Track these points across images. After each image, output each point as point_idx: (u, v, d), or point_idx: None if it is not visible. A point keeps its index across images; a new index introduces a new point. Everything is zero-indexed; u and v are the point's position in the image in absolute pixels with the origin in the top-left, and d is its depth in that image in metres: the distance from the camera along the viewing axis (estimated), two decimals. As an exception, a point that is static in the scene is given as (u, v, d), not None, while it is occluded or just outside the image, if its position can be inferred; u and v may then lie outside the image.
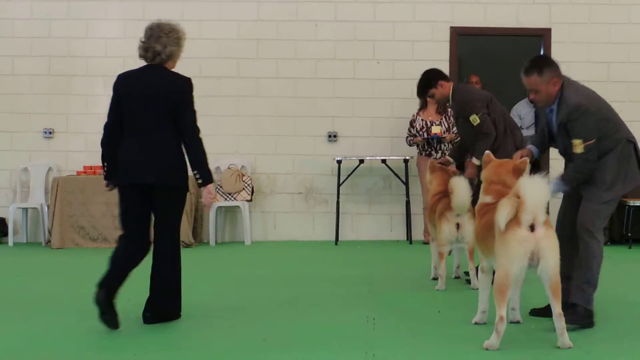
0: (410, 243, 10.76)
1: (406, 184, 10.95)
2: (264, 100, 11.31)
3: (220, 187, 11.00)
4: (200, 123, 11.00)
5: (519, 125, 11.55)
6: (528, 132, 11.45)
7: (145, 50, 5.87)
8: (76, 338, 5.56)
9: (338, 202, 10.97)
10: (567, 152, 5.94)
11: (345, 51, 11.31)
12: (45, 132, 11.34)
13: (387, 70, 11.32)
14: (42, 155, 11.35)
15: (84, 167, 11.07)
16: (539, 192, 4.85)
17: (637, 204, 10.20)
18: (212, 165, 10.87)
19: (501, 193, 5.32)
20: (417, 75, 10.60)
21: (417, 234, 10.87)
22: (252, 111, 11.32)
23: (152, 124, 5.73)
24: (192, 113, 5.84)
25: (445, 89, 7.97)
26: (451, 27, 11.39)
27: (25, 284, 7.99)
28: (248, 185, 11.01)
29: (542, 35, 11.45)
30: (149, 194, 5.74)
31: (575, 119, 5.75)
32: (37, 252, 10.46)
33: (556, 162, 9.16)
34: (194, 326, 5.79)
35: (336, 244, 10.81)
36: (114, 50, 11.12)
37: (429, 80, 8.02)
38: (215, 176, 10.96)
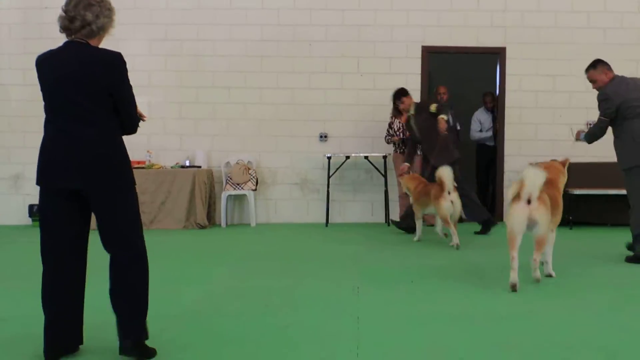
0: (388, 225, 10.71)
1: (385, 176, 10.92)
2: (266, 106, 11.27)
3: (230, 178, 10.95)
4: (214, 126, 11.22)
5: (480, 129, 11.61)
6: (487, 134, 11.43)
7: (71, 20, 3.91)
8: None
9: (328, 191, 10.93)
10: None
11: (334, 66, 11.25)
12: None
13: (369, 82, 11.26)
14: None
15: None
16: (534, 179, 5.66)
17: (577, 193, 10.17)
18: (223, 161, 11.05)
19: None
20: (394, 86, 10.78)
21: (394, 216, 10.81)
22: (256, 115, 11.27)
23: (75, 113, 3.80)
24: (130, 93, 3.95)
25: (406, 103, 9.77)
26: (422, 46, 11.32)
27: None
28: (253, 177, 10.96)
29: (499, 53, 11.39)
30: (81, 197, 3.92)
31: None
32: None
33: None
34: (212, 293, 5.71)
35: (326, 225, 10.77)
36: (140, 65, 11.04)
37: (395, 96, 9.97)
38: (225, 169, 11.03)
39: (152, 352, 3.95)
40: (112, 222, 3.84)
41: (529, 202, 5.67)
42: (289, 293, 5.75)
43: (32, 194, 11.15)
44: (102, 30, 3.97)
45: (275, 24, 11.28)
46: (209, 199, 10.86)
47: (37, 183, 3.86)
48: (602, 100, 7.22)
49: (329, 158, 10.86)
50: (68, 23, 3.90)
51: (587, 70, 7.37)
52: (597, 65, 7.33)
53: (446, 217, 8.30)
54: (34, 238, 8.70)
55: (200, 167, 10.96)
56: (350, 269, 6.97)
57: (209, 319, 4.86)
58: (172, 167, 10.95)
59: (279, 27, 11.29)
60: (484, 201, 11.80)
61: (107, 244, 3.86)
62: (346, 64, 11.28)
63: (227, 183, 11.00)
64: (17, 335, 4.48)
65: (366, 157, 10.93)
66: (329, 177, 10.89)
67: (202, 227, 10.46)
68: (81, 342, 4.03)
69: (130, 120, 3.96)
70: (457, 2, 11.29)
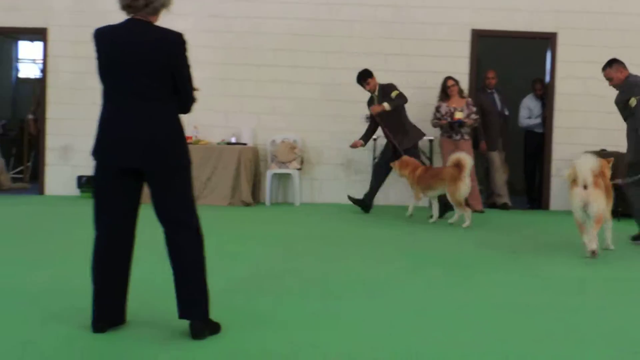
0: (431, 208, 10.51)
1: (430, 159, 10.72)
2: (313, 86, 11.13)
3: (276, 156, 10.85)
4: (260, 104, 11.10)
5: (528, 115, 11.31)
6: (536, 121, 11.14)
7: None
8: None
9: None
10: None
11: (380, 47, 11.04)
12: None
13: (417, 64, 11.05)
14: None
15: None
16: (585, 166, 6.41)
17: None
18: (268, 139, 10.94)
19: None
20: (443, 69, 10.57)
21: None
22: (303, 95, 11.15)
23: (143, 94, 3.79)
24: (189, 73, 3.93)
25: (371, 85, 9.79)
26: (472, 29, 11.06)
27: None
28: (298, 156, 10.85)
29: (550, 39, 11.09)
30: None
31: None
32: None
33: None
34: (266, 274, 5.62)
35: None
36: (199, 40, 10.91)
37: (360, 77, 9.85)
38: (271, 148, 10.92)
39: (218, 327, 3.94)
40: (168, 201, 3.82)
41: (585, 187, 6.44)
42: (332, 275, 5.69)
43: (81, 165, 11.16)
44: (163, 7, 3.94)
45: (323, 3, 11.11)
46: (254, 177, 10.79)
47: (94, 157, 3.82)
48: (635, 85, 7.56)
49: (375, 140, 10.67)
50: (131, 1, 3.85)
51: (604, 68, 7.82)
52: (612, 64, 7.80)
53: (461, 201, 8.60)
54: (82, 209, 8.79)
55: (246, 144, 10.87)
56: (392, 251, 6.87)
57: (250, 298, 4.82)
58: (218, 144, 10.88)
59: (327, 5, 11.12)
60: (531, 189, 11.53)
61: (162, 220, 3.85)
62: (393, 45, 11.06)
63: (272, 161, 10.90)
64: (66, 307, 4.47)
65: (411, 140, 10.72)
66: (374, 158, 10.71)
67: (247, 204, 10.38)
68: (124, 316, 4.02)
69: (188, 99, 3.94)
70: (509, -15, 11.01)
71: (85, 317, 4.01)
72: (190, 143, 10.58)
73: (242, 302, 4.66)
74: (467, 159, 8.62)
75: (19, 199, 10.96)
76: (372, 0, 11.08)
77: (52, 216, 9.25)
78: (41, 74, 11.66)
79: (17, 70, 15.33)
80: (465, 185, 8.57)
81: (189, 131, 10.84)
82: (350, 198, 10.02)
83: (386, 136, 9.82)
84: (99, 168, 3.87)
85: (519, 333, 4.14)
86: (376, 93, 9.77)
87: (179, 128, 3.87)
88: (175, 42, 3.84)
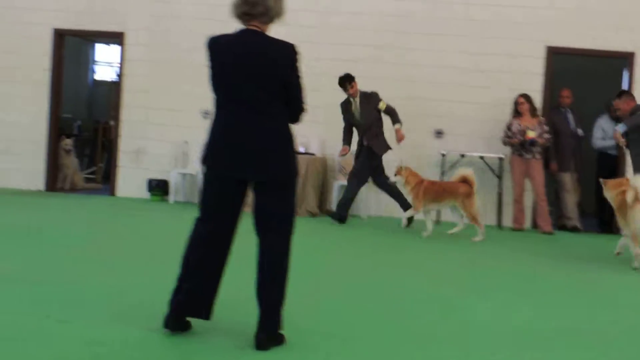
0: (500, 228, 10.35)
1: (499, 177, 10.52)
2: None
3: (344, 168, 10.78)
4: (328, 114, 11.01)
5: (602, 137, 10.98)
6: (610, 143, 10.82)
7: (253, 5, 3.83)
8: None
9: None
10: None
11: (452, 61, 10.88)
12: (204, 113, 11.30)
13: (490, 79, 10.85)
14: (200, 132, 11.28)
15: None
16: None
17: None
18: (337, 150, 10.86)
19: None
20: (516, 86, 10.36)
21: (506, 220, 10.45)
22: (373, 107, 11.03)
23: (255, 103, 3.81)
24: (301, 83, 3.96)
25: (355, 89, 9.77)
26: (547, 46, 10.82)
27: (179, 236, 7.92)
28: (366, 168, 10.73)
29: (627, 58, 10.77)
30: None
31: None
32: (191, 210, 10.40)
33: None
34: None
35: (438, 223, 10.45)
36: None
37: (343, 80, 9.77)
38: (339, 159, 10.85)
39: (283, 338, 3.92)
40: (271, 211, 3.86)
41: None
42: (398, 291, 5.62)
43: (152, 168, 11.32)
44: (277, 17, 3.94)
45: (395, 15, 11.00)
46: (322, 188, 10.73)
47: (205, 164, 3.92)
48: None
49: (444, 155, 10.52)
50: (249, 8, 3.84)
51: (614, 99, 8.99)
52: (622, 95, 8.96)
53: (477, 215, 8.90)
54: (152, 212, 8.83)
55: (314, 154, 10.82)
56: (460, 270, 6.74)
57: (325, 311, 4.76)
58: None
59: (399, 18, 11.01)
60: (603, 211, 11.20)
61: (260, 229, 3.88)
62: (466, 60, 10.89)
63: (340, 173, 10.83)
64: (135, 304, 4.61)
65: (481, 157, 10.55)
66: (442, 174, 10.56)
67: (313, 215, 10.33)
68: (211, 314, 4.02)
69: (299, 110, 3.98)
70: (586, 2, 10.72)
71: (150, 314, 4.07)
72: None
73: (307, 315, 4.60)
74: (473, 175, 8.99)
75: (91, 199, 11.15)
76: (444, 13, 10.93)
77: (125, 217, 9.37)
78: (117, 78, 11.82)
79: (93, 72, 15.63)
80: (474, 201, 8.91)
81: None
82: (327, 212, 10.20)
83: (360, 139, 9.88)
84: (208, 174, 3.93)
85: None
86: (357, 98, 9.81)
87: (289, 140, 3.91)
88: (289, 54, 3.86)
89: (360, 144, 9.88)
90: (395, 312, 4.98)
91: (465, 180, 8.98)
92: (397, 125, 9.70)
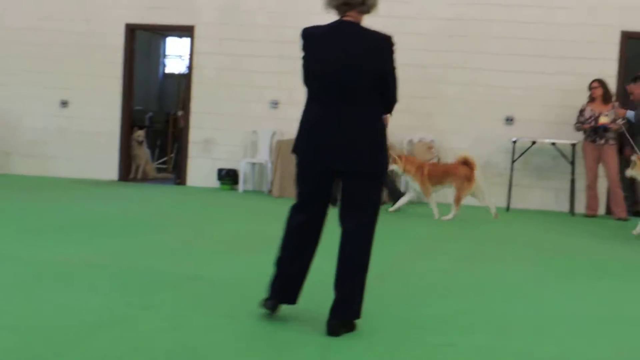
0: (572, 215, 10.12)
1: (572, 164, 10.28)
2: (452, 86, 10.87)
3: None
4: (398, 102, 10.94)
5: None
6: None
7: None
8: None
9: (511, 176, 10.43)
10: None
11: (526, 49, 10.67)
12: (272, 103, 11.36)
13: (560, 66, 10.60)
14: (269, 122, 11.37)
15: (302, 133, 11.03)
16: None
17: None
18: (405, 138, 10.80)
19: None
20: (589, 72, 10.10)
21: (579, 207, 10.21)
22: (441, 94, 10.92)
23: (349, 96, 3.76)
24: (395, 75, 3.90)
25: None
26: (622, 31, 10.51)
27: (251, 224, 8.01)
28: (435, 156, 10.64)
29: None
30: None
31: None
32: (260, 199, 10.53)
33: None
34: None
35: (507, 210, 10.29)
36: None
37: None
38: (407, 147, 10.77)
39: (354, 326, 3.85)
40: (357, 202, 3.84)
41: None
42: (468, 277, 5.53)
43: (222, 158, 11.44)
44: (373, 8, 3.90)
45: (465, 3, 10.84)
46: (388, 176, 10.65)
47: (297, 154, 3.92)
48: None
49: (514, 142, 10.35)
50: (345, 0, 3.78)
51: (628, 83, 8.90)
52: (637, 80, 9.09)
53: (463, 199, 8.89)
54: (224, 201, 8.90)
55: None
56: (532, 256, 6.62)
57: (389, 299, 4.68)
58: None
59: (468, 5, 10.83)
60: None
61: (347, 218, 3.85)
62: (538, 47, 10.66)
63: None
64: (216, 291, 4.65)
65: (553, 144, 10.33)
66: (512, 161, 10.38)
67: (384, 203, 10.28)
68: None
69: (393, 102, 3.92)
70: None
71: (234, 303, 4.14)
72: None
73: (379, 302, 4.56)
74: (474, 158, 8.90)
75: (163, 188, 11.34)
76: (516, 1, 10.73)
77: (200, 206, 9.47)
78: (187, 70, 11.97)
79: (163, 65, 15.88)
80: (474, 184, 8.84)
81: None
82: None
83: None
84: (301, 165, 3.93)
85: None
86: None
87: (382, 133, 3.84)
88: (386, 46, 3.83)
89: None
90: (479, 297, 4.92)
91: (465, 162, 8.91)
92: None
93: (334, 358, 3.49)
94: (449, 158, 10.79)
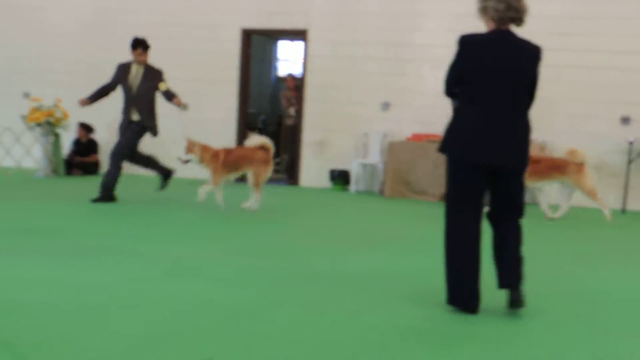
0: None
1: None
2: (563, 85, 10.59)
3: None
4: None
5: None
6: None
7: (518, 10, 4.13)
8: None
9: (627, 177, 10.09)
10: None
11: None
12: (384, 105, 11.39)
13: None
14: (380, 123, 11.41)
15: (413, 134, 11.01)
16: None
17: None
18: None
19: None
20: None
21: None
22: (551, 94, 10.62)
23: (511, 99, 4.09)
24: (536, 88, 4.25)
25: (144, 56, 8.91)
26: None
27: (367, 223, 8.08)
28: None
29: None
30: (493, 174, 4.20)
31: None
32: (373, 199, 10.58)
33: None
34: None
35: (623, 212, 9.95)
36: (441, 40, 10.90)
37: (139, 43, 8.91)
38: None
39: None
40: (513, 194, 4.23)
41: None
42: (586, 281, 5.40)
43: (334, 159, 11.54)
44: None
45: (580, 2, 10.55)
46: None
47: (456, 154, 4.16)
48: None
49: (631, 143, 10.00)
50: (515, 14, 4.13)
51: None
52: None
53: (261, 183, 8.55)
54: (338, 200, 8.88)
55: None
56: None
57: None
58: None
59: (584, 5, 10.54)
60: None
61: (503, 213, 4.25)
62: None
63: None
64: (339, 287, 4.77)
65: (673, 144, 9.93)
66: (629, 162, 10.03)
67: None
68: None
69: (532, 103, 4.28)
70: None
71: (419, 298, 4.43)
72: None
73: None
74: (270, 143, 8.64)
75: (277, 188, 11.55)
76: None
77: (316, 205, 9.63)
78: (301, 73, 12.15)
79: (276, 69, 16.16)
80: (270, 169, 8.57)
81: (438, 129, 10.82)
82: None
83: (129, 109, 8.94)
84: (461, 166, 4.17)
85: None
86: (141, 68, 8.94)
87: (530, 133, 4.25)
88: (538, 54, 4.19)
89: (129, 117, 8.97)
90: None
91: (262, 147, 8.59)
92: (175, 99, 8.83)
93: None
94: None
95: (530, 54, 4.16)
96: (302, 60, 12.16)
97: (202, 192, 8.37)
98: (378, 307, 4.33)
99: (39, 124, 11.43)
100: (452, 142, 4.18)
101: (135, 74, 8.96)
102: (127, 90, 8.93)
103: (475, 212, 4.20)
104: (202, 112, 12.36)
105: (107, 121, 12.38)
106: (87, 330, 3.66)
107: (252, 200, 8.60)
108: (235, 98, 12.29)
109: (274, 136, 14.46)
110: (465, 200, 4.19)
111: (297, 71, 13.60)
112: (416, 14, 11.19)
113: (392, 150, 10.71)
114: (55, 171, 11.77)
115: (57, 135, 11.63)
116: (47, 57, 13.12)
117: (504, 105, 4.10)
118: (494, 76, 4.08)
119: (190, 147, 8.44)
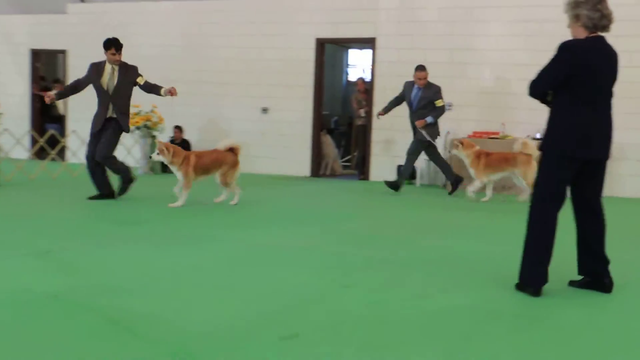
0: None
1: None
2: (618, 84, 10.91)
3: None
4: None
5: None
6: None
7: (610, 19, 4.45)
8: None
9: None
10: None
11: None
12: (446, 105, 11.96)
13: None
14: (442, 122, 11.93)
15: (474, 132, 11.57)
16: None
17: None
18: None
19: None
20: None
21: None
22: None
23: (607, 98, 4.51)
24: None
25: (117, 57, 8.79)
26: None
27: (432, 213, 8.77)
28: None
29: None
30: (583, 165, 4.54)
31: None
32: (437, 192, 11.27)
33: None
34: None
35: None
36: (501, 45, 11.41)
37: (112, 43, 8.81)
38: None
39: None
40: (600, 186, 4.63)
41: None
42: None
43: (400, 155, 12.17)
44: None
45: (633, 4, 10.90)
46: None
47: (567, 152, 4.44)
48: None
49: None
50: (608, 22, 4.44)
51: None
52: None
53: (233, 182, 8.68)
54: (404, 194, 9.46)
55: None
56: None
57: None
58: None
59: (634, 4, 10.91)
60: None
61: (590, 201, 4.62)
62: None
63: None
64: (404, 272, 5.23)
65: None
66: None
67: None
68: None
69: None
70: None
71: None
72: (497, 138, 11.14)
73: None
74: (240, 144, 8.83)
75: (350, 183, 12.32)
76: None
77: (384, 198, 10.19)
78: (370, 78, 12.87)
79: (346, 74, 16.94)
80: (238, 170, 8.72)
81: (496, 127, 11.35)
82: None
83: (104, 105, 8.82)
84: (567, 159, 4.46)
85: None
86: (117, 66, 8.85)
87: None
88: (618, 58, 4.55)
89: (105, 116, 8.88)
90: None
91: (231, 149, 8.76)
92: (164, 89, 8.83)
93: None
94: (615, 152, 10.94)
95: (617, 58, 4.52)
96: (370, 66, 12.88)
97: (177, 191, 8.51)
98: (450, 289, 4.63)
99: (138, 128, 12.56)
100: (562, 139, 4.44)
101: (111, 74, 8.87)
102: (101, 89, 8.87)
103: (562, 203, 4.53)
104: (281, 114, 13.31)
105: (198, 125, 13.49)
106: (185, 308, 3.96)
107: (224, 195, 8.82)
108: (310, 101, 13.15)
109: (345, 135, 15.28)
110: (559, 193, 4.51)
111: (366, 76, 14.31)
112: (472, 21, 11.74)
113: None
114: (152, 169, 12.89)
115: (153, 137, 12.71)
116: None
117: (604, 104, 4.51)
118: (598, 78, 4.39)
119: (161, 149, 8.45)
